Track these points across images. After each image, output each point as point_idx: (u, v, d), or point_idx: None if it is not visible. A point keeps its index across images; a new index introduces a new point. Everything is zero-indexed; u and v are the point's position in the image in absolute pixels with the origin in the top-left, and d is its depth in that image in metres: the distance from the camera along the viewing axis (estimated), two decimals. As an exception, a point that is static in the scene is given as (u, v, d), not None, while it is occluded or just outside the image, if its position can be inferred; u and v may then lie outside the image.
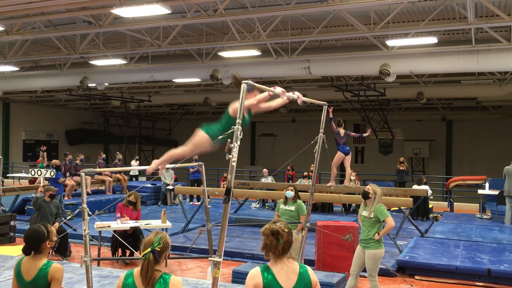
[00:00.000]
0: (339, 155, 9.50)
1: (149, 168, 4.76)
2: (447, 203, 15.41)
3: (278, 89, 4.29)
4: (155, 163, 4.75)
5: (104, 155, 15.78)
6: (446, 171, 25.06)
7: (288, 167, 15.83)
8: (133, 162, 18.46)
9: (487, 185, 13.41)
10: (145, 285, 2.87)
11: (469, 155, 25.21)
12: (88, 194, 13.04)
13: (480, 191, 13.44)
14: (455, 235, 10.13)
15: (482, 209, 13.21)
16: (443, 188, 16.75)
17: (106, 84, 17.47)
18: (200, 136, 4.52)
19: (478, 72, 14.97)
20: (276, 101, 4.58)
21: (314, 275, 2.92)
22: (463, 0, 9.35)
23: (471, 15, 9.33)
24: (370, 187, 5.97)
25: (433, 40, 11.06)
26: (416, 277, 7.55)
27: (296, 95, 4.61)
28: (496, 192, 12.52)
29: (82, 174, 4.73)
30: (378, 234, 5.79)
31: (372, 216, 5.83)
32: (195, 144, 4.50)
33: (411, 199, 9.63)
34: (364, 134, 10.72)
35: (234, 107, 4.32)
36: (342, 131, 9.46)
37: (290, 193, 7.20)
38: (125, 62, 14.38)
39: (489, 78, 16.23)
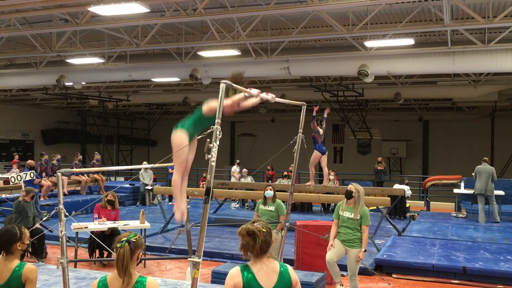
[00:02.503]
0: (316, 154, 9.53)
1: (177, 217, 4.53)
2: (423, 202, 15.65)
3: (254, 91, 4.30)
4: (179, 210, 4.51)
5: (80, 156, 15.51)
6: (423, 170, 25.44)
7: (268, 167, 15.86)
8: (234, 168, 15.79)
9: (462, 184, 13.65)
10: (121, 275, 2.82)
11: (445, 155, 25.66)
12: (64, 194, 12.82)
13: (455, 191, 13.68)
14: (431, 233, 10.29)
15: (458, 208, 13.44)
16: (420, 187, 17.00)
17: (83, 83, 17.22)
18: (177, 136, 4.31)
19: (454, 74, 15.24)
20: (250, 100, 4.51)
21: (295, 274, 2.93)
22: (439, 2, 9.51)
23: (447, 17, 9.50)
24: (353, 187, 5.99)
25: (410, 41, 11.22)
26: (394, 275, 7.65)
27: (270, 96, 4.61)
28: (471, 192, 12.74)
29: (59, 174, 4.65)
30: (364, 251, 5.89)
31: (358, 217, 5.86)
32: (177, 145, 4.27)
33: (389, 198, 9.76)
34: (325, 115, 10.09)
35: (210, 105, 4.19)
36: (321, 130, 9.50)
37: (269, 193, 7.22)
38: (103, 61, 14.20)
39: (465, 80, 16.54)
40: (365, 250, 5.95)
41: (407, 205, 13.49)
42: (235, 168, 15.69)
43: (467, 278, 7.34)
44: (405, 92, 18.37)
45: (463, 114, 24.01)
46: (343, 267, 6.72)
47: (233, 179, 15.52)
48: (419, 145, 26.47)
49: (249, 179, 14.66)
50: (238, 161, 15.67)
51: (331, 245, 6.07)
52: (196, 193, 9.88)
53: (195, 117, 4.34)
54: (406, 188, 12.77)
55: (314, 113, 9.24)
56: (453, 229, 10.92)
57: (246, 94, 4.27)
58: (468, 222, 11.89)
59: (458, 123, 25.20)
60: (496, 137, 22.22)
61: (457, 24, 10.25)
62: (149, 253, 8.62)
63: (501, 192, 12.22)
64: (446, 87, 17.69)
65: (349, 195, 5.95)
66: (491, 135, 22.15)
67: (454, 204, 14.09)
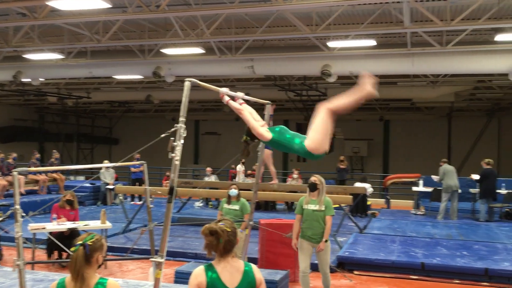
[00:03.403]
0: (267, 152, 9.33)
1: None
2: (384, 200, 16.00)
3: (223, 89, 4.30)
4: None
5: (38, 155, 15.05)
6: (383, 169, 26.01)
7: (232, 166, 15.84)
8: (239, 167, 15.18)
9: (421, 182, 14.05)
10: (74, 280, 2.74)
11: (405, 154, 26.31)
12: (21, 194, 12.42)
13: (414, 188, 14.07)
14: (391, 230, 10.54)
15: (416, 206, 13.82)
16: (381, 185, 17.37)
17: (41, 79, 16.71)
18: (316, 140, 3.90)
19: (413, 75, 15.65)
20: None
21: (259, 273, 2.93)
22: (400, 5, 9.74)
23: (407, 20, 9.74)
24: (317, 178, 5.98)
25: (371, 42, 11.45)
26: (355, 272, 7.79)
27: (239, 93, 4.59)
28: (429, 189, 13.14)
29: (15, 173, 4.50)
30: (326, 241, 5.87)
31: (323, 208, 5.86)
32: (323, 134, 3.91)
33: (351, 196, 9.92)
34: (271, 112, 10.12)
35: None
36: None
37: (233, 192, 7.21)
38: (62, 56, 13.81)
39: (423, 81, 17.02)
40: (327, 240, 5.94)
41: (368, 203, 13.77)
42: (239, 167, 15.25)
43: (425, 273, 7.56)
44: (366, 92, 18.71)
45: (421, 114, 24.70)
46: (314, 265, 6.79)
47: (238, 178, 14.90)
48: (380, 144, 27.05)
49: (213, 178, 14.60)
50: (243, 160, 15.45)
51: (295, 244, 6.06)
52: (159, 192, 9.76)
53: (283, 144, 4.03)
54: (367, 186, 13.03)
55: (272, 112, 9.23)
56: (412, 226, 11.23)
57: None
58: (426, 219, 12.25)
59: (417, 123, 25.91)
60: (453, 137, 22.98)
61: (417, 26, 10.53)
62: (110, 253, 8.45)
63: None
64: (405, 88, 18.15)
65: (313, 186, 5.94)
66: (448, 135, 22.88)
67: (413, 201, 14.47)
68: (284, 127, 4.14)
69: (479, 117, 24.08)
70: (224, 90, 4.28)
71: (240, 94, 4.52)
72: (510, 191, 12.15)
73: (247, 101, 4.58)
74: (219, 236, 2.80)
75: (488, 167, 11.74)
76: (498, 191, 12.07)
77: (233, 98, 4.39)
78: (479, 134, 23.19)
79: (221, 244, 2.80)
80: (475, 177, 12.21)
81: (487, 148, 22.99)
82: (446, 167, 12.13)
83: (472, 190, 12.70)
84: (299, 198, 6.30)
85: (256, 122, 4.08)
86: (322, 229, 5.86)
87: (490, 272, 7.29)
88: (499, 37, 10.50)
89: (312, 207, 5.91)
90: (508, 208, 12.16)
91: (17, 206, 4.32)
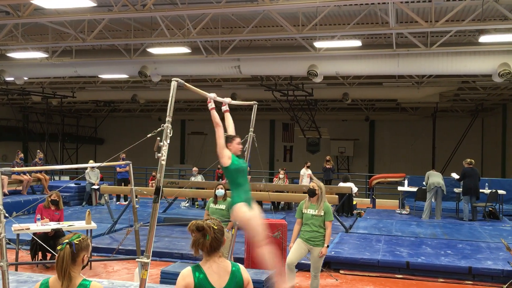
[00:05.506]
0: None
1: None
2: (369, 199, 16.12)
3: (212, 95, 4.38)
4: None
5: (22, 155, 14.85)
6: (369, 169, 26.19)
7: (218, 166, 15.82)
8: (303, 171, 14.86)
9: (406, 182, 14.18)
10: (61, 279, 2.73)
11: (390, 154, 26.55)
12: (5, 194, 12.25)
13: (399, 188, 14.18)
14: (377, 230, 10.62)
15: (402, 205, 13.94)
16: (366, 185, 17.50)
17: (25, 78, 16.51)
18: (240, 212, 4.78)
19: (399, 75, 15.79)
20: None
21: (247, 273, 2.93)
22: (385, 6, 9.82)
23: (392, 21, 9.82)
24: (315, 184, 6.00)
25: (357, 43, 11.51)
26: (341, 271, 7.82)
27: (226, 99, 4.69)
28: (414, 189, 13.26)
29: (-2, 173, 4.44)
30: (327, 246, 5.95)
31: (322, 213, 5.90)
32: (248, 221, 4.82)
33: (337, 196, 9.97)
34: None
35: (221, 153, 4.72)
36: None
37: (220, 192, 7.20)
38: (47, 55, 13.65)
39: (408, 81, 17.18)
40: (328, 246, 6.01)
41: (354, 202, 13.85)
42: (304, 171, 14.99)
43: (410, 272, 7.63)
44: (352, 93, 18.86)
45: (406, 115, 24.94)
46: (305, 266, 6.80)
47: (304, 181, 14.58)
48: (365, 144, 27.24)
49: (199, 178, 14.57)
50: (308, 164, 15.15)
51: (291, 247, 6.08)
52: (145, 192, 9.71)
53: (231, 180, 4.80)
54: (352, 185, 13.10)
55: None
56: (397, 225, 11.32)
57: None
58: (411, 219, 12.36)
59: (402, 123, 26.15)
60: (437, 137, 23.25)
61: (402, 27, 10.62)
62: (95, 254, 8.39)
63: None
64: (391, 88, 18.31)
65: (312, 193, 5.95)
66: (433, 135, 23.14)
67: (398, 201, 14.59)
68: (246, 170, 4.88)
69: (463, 118, 24.39)
70: (212, 95, 4.33)
71: (227, 100, 4.62)
72: (493, 190, 12.31)
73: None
74: (205, 232, 2.77)
75: (469, 166, 11.90)
76: (481, 190, 12.22)
77: (220, 104, 4.55)
78: (463, 134, 23.50)
79: (208, 241, 2.77)
80: (455, 176, 12.37)
81: (471, 148, 23.30)
82: (430, 172, 12.41)
83: (456, 190, 12.85)
84: (287, 200, 6.35)
85: (223, 143, 4.69)
86: (319, 234, 5.91)
87: (473, 270, 7.38)
88: (483, 39, 10.64)
89: (311, 211, 5.95)
90: (491, 207, 12.33)
91: (0, 207, 4.26)
